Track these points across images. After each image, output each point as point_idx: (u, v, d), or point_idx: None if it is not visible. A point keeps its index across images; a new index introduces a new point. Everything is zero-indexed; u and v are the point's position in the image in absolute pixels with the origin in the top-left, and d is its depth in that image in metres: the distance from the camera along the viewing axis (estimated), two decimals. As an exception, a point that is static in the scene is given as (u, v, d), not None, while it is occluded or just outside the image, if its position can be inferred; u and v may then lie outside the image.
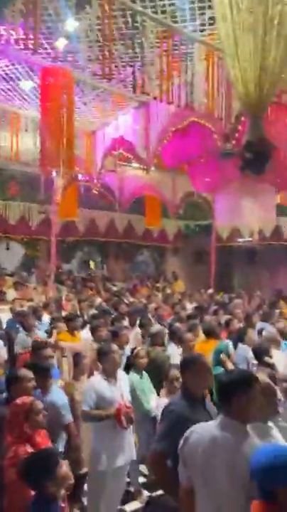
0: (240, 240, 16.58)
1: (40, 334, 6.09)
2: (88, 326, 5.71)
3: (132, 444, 3.70)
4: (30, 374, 3.06)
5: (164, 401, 3.45)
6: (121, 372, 3.75)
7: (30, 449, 2.38)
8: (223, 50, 3.26)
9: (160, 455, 2.44)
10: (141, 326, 5.83)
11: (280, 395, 2.84)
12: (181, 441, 2.14)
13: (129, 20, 4.92)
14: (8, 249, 14.20)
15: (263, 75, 2.99)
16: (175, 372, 3.63)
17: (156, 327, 5.10)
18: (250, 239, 15.42)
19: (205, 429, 2.09)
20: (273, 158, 6.96)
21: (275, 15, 2.95)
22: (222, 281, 18.68)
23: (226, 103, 6.08)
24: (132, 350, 4.33)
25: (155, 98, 5.58)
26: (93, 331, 5.16)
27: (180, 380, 3.35)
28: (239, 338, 5.38)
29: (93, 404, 3.41)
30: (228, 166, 7.97)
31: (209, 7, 4.67)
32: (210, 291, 13.12)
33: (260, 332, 5.60)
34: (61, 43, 5.16)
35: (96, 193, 9.33)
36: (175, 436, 2.21)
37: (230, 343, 5.33)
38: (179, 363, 2.86)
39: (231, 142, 5.91)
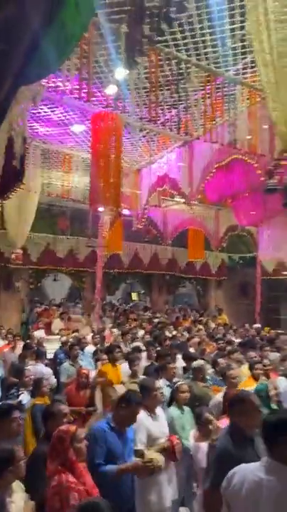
0: (285, 272, 16.08)
1: (84, 364, 6.18)
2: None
3: (175, 482, 3.60)
4: (65, 409, 3.08)
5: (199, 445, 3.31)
6: (159, 408, 3.71)
7: (72, 479, 2.38)
8: (264, 93, 3.36)
9: (210, 493, 2.36)
10: (183, 359, 5.74)
11: None
12: (224, 482, 2.08)
13: (174, 67, 5.21)
14: (55, 280, 14.72)
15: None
16: (207, 415, 3.53)
17: (198, 362, 5.01)
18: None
19: (249, 471, 2.02)
20: None
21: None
22: (268, 315, 18.08)
23: (269, 140, 6.15)
24: (174, 384, 4.28)
25: (198, 138, 5.74)
26: (130, 364, 5.13)
27: (214, 422, 3.26)
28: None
29: (145, 442, 3.36)
30: (272, 201, 7.94)
31: (251, 52, 4.85)
32: (256, 325, 12.72)
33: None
34: (111, 90, 5.53)
35: (140, 227, 9.54)
36: (222, 472, 2.16)
37: (280, 381, 5.12)
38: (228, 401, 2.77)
39: (275, 177, 5.90)
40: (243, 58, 5.33)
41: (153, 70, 4.88)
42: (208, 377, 5.14)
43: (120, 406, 3.11)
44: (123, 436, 3.08)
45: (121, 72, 5.23)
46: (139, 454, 3.22)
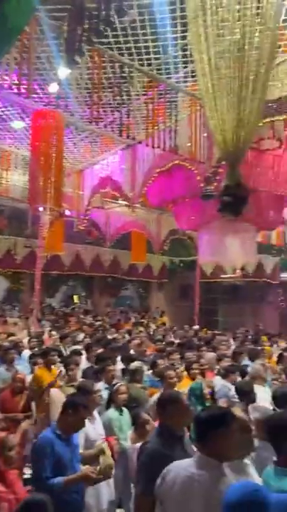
0: (223, 276, 16.81)
1: (20, 369, 5.97)
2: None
3: (112, 483, 3.60)
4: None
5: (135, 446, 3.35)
6: (94, 411, 3.70)
7: (1, 488, 2.29)
8: (203, 102, 3.49)
9: (142, 497, 2.37)
10: (122, 361, 5.77)
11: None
12: (158, 480, 2.12)
13: (117, 70, 5.24)
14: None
15: (240, 126, 3.20)
16: (145, 416, 3.57)
17: (135, 363, 5.05)
18: (233, 275, 15.61)
19: (182, 467, 2.07)
20: (251, 200, 7.24)
21: (250, 73, 3.21)
22: (206, 316, 18.74)
23: (208, 148, 6.40)
24: (112, 386, 4.29)
25: (139, 142, 5.83)
26: (67, 367, 5.01)
27: (151, 423, 3.31)
28: (223, 375, 5.39)
29: (83, 444, 3.31)
30: (210, 206, 8.25)
31: (192, 61, 5.03)
32: (195, 327, 13.10)
33: (244, 370, 5.59)
34: (53, 88, 5.43)
35: (82, 228, 9.44)
36: (153, 474, 2.17)
37: (215, 380, 5.33)
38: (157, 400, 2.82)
39: (213, 184, 6.15)
40: (184, 67, 5.51)
41: (95, 71, 4.87)
42: (146, 378, 5.19)
43: (66, 412, 3.00)
44: (70, 443, 2.99)
45: (63, 71, 5.17)
46: (100, 450, 3.19)
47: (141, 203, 9.68)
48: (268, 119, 5.44)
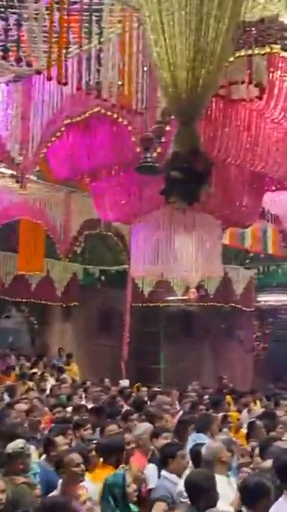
0: (171, 298, 17.10)
1: None
2: None
3: None
4: None
5: None
6: None
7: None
8: (144, 16, 3.50)
9: None
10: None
11: None
12: None
13: None
14: None
15: (199, 59, 3.26)
16: None
17: (16, 444, 4.93)
18: (185, 297, 16.00)
19: None
20: (215, 179, 7.48)
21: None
22: (141, 363, 18.89)
23: (150, 91, 6.47)
24: None
25: (38, 73, 5.73)
26: None
27: None
28: (162, 461, 5.40)
29: None
30: (150, 185, 8.33)
31: None
32: (123, 382, 13.19)
33: (194, 449, 5.66)
34: None
35: None
36: None
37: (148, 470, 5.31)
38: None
39: (155, 150, 6.22)
40: None
41: None
42: (35, 466, 5.14)
43: None
44: None
45: None
46: None
47: (36, 173, 9.52)
48: (243, 53, 5.62)
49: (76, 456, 4.66)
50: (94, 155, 8.45)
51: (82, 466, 4.68)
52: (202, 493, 4.26)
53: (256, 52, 5.64)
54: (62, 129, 7.67)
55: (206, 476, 4.47)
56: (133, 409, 8.32)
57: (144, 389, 12.16)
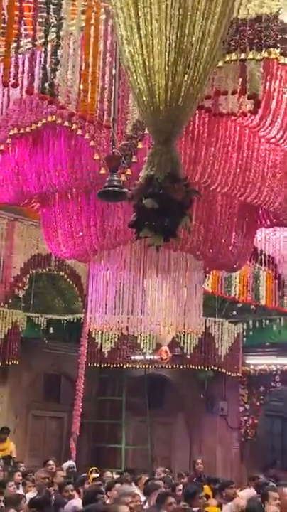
0: (137, 358, 17.04)
1: None
2: None
3: None
4: None
5: None
6: None
7: None
8: (113, 7, 3.57)
9: None
10: None
11: None
12: None
13: None
14: None
15: (181, 63, 3.32)
16: None
17: None
18: (155, 357, 16.01)
19: None
20: (198, 210, 7.59)
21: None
22: (99, 439, 18.64)
23: (120, 98, 6.56)
24: None
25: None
26: None
27: None
28: None
29: None
30: (116, 214, 8.37)
31: None
32: (70, 463, 13.04)
33: None
34: None
35: None
36: None
37: None
38: None
39: (124, 171, 6.27)
40: None
41: None
42: None
43: None
44: None
45: None
46: None
47: None
48: (234, 57, 5.73)
49: None
50: (46, 175, 8.44)
51: None
52: None
53: (251, 56, 5.70)
54: (7, 141, 7.66)
55: None
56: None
57: (99, 474, 12.08)
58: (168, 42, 3.28)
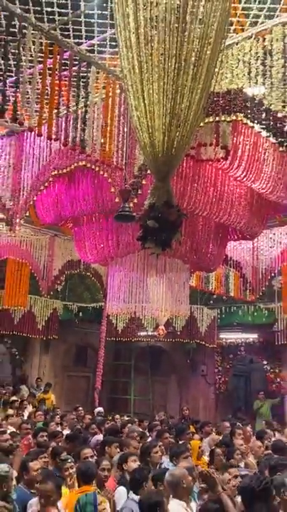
0: (141, 334, 17.04)
1: None
2: None
3: None
4: None
5: None
6: None
7: None
8: (125, 83, 3.58)
9: None
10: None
11: None
12: None
13: (3, 21, 5.23)
14: None
15: (174, 123, 3.34)
16: None
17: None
18: (154, 333, 15.95)
19: None
20: (185, 228, 7.56)
21: (191, 53, 3.39)
22: (113, 393, 18.66)
23: (130, 148, 6.58)
24: None
25: (30, 130, 5.79)
26: None
27: None
28: (134, 484, 5.30)
29: None
30: (127, 232, 8.40)
31: (113, 25, 5.22)
32: (98, 409, 13.06)
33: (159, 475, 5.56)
34: None
35: None
36: None
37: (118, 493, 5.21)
38: None
39: (132, 200, 6.29)
40: (102, 32, 5.69)
41: None
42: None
43: None
44: None
45: None
46: None
47: (25, 218, 9.50)
48: (211, 119, 5.76)
49: (49, 486, 4.64)
50: (77, 203, 8.49)
51: (55, 494, 4.67)
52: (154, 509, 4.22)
53: (223, 119, 5.76)
54: (50, 179, 7.72)
55: (156, 494, 4.47)
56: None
57: (118, 418, 12.08)
58: (164, 109, 3.31)
